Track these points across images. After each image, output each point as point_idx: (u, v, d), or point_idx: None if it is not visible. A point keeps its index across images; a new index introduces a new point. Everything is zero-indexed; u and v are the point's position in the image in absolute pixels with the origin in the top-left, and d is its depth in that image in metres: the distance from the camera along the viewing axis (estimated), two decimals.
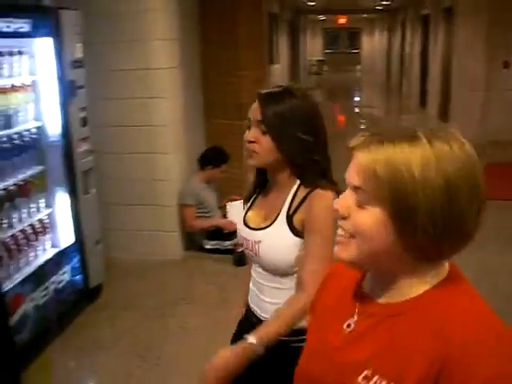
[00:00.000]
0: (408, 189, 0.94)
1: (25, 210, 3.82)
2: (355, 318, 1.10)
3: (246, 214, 1.99)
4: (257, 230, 1.89)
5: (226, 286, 4.73)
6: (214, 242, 5.37)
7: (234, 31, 5.94)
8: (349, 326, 1.10)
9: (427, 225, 0.95)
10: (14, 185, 3.68)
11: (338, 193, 1.53)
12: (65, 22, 3.89)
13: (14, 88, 3.70)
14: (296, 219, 1.80)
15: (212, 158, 5.48)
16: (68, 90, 3.96)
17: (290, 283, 1.83)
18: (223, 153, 5.45)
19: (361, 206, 1.01)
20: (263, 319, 1.87)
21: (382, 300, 1.08)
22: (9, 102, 3.65)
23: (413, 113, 15.25)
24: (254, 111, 1.82)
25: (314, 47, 32.40)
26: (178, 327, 4.16)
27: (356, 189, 1.02)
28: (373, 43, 31.99)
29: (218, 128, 5.97)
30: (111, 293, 4.62)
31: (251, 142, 1.82)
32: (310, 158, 1.79)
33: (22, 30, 3.57)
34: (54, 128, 4.00)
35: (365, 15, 30.69)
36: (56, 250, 4.07)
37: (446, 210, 0.95)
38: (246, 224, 1.96)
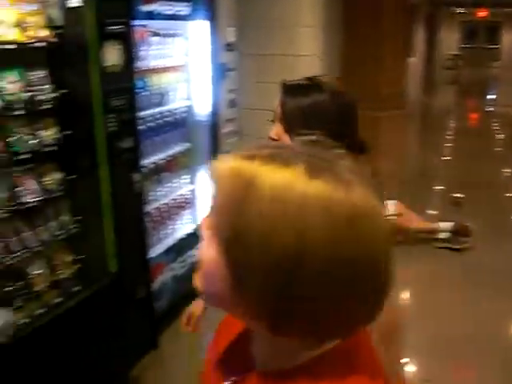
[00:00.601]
0: (245, 223, 0.67)
1: (168, 185, 4.00)
2: (235, 379, 0.87)
3: None
4: None
5: None
6: None
7: (378, 23, 5.86)
8: None
9: (252, 280, 0.68)
10: (163, 160, 3.87)
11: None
12: (220, 5, 4.02)
13: (167, 68, 3.87)
14: None
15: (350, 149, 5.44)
16: (219, 72, 4.10)
17: None
18: (362, 144, 5.39)
19: (211, 231, 0.75)
20: None
21: (257, 362, 0.84)
22: (162, 82, 3.83)
23: None
24: (278, 105, 1.62)
25: (450, 41, 31.15)
26: None
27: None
28: None
29: None
30: None
31: (273, 139, 1.61)
32: None
33: (181, 12, 3.74)
34: (202, 108, 4.15)
35: (508, 9, 29.09)
36: (195, 226, 4.24)
37: (284, 277, 0.66)
38: None
